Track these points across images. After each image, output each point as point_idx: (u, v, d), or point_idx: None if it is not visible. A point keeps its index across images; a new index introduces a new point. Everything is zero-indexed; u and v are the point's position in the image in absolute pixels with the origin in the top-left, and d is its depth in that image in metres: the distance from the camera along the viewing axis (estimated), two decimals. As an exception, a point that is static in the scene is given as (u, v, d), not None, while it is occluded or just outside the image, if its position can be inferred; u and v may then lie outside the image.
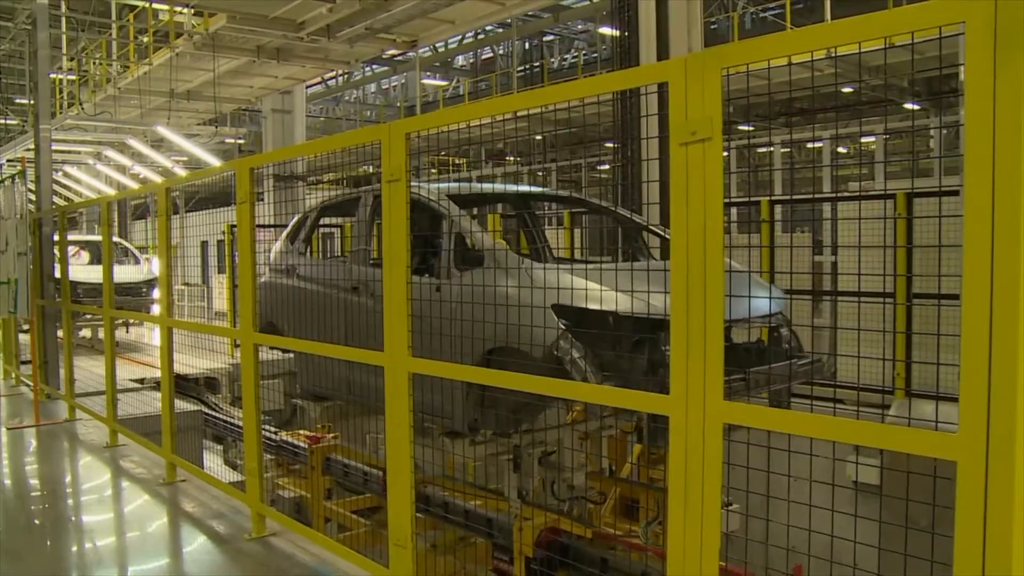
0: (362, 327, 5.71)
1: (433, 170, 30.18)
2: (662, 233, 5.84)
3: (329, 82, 40.48)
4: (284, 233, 7.40)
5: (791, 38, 2.74)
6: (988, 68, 1.96)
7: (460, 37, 35.08)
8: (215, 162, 21.97)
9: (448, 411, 5.22)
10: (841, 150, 23.00)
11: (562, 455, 5.86)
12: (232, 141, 25.33)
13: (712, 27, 23.16)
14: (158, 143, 22.66)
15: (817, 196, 12.29)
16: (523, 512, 5.50)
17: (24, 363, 11.71)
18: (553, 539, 5.30)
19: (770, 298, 5.05)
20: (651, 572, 4.56)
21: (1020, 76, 1.92)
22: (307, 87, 24.72)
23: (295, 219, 7.42)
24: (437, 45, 35.90)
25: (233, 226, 8.39)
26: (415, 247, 5.38)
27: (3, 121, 26.37)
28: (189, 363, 8.34)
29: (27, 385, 10.98)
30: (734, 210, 11.39)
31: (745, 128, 20.12)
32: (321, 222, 7.74)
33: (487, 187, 6.16)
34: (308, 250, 7.19)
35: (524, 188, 6.81)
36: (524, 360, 4.72)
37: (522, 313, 4.41)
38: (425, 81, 39.23)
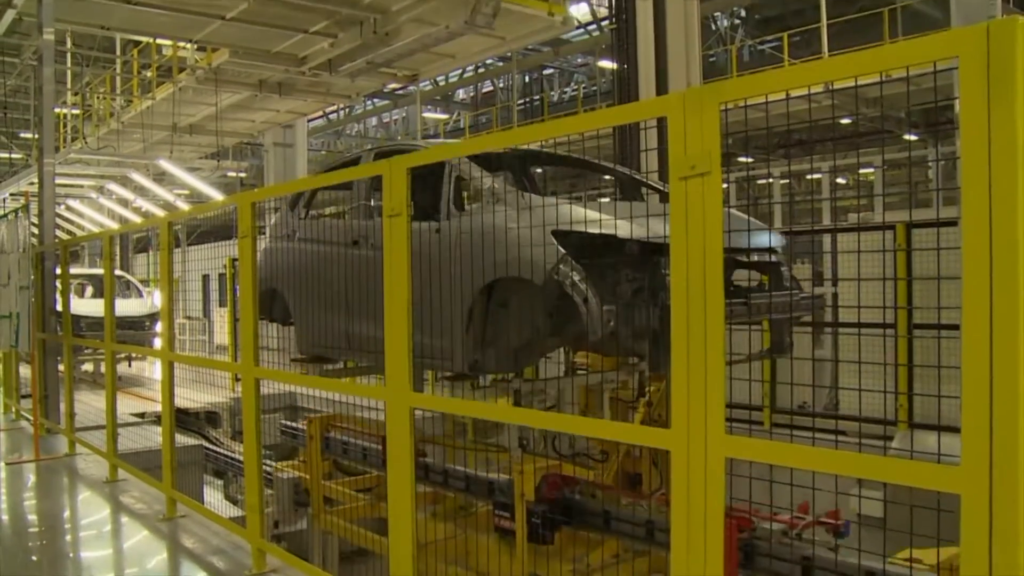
0: (363, 279, 5.74)
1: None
2: (662, 188, 5.86)
3: (330, 116, 40.72)
4: (285, 203, 7.45)
5: (788, 74, 2.78)
6: (983, 102, 1.98)
7: (460, 71, 35.35)
8: (217, 196, 22.05)
9: (448, 352, 5.15)
10: (840, 181, 23.10)
11: (562, 408, 5.82)
12: (234, 175, 25.52)
13: (711, 60, 23.35)
14: (160, 177, 22.77)
15: (816, 228, 12.30)
16: (524, 461, 5.47)
17: (24, 397, 11.69)
18: (555, 495, 5.22)
19: (770, 231, 5.07)
20: (655, 521, 4.44)
21: (1014, 110, 1.94)
22: (308, 121, 24.87)
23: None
24: (438, 79, 36.13)
25: (234, 260, 8.41)
26: (416, 200, 5.44)
27: (7, 156, 26.51)
28: (190, 397, 8.33)
29: (27, 419, 10.95)
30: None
31: (744, 160, 20.21)
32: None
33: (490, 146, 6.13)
34: (308, 215, 7.20)
35: (527, 147, 6.72)
36: (524, 289, 4.77)
37: (522, 242, 4.43)
38: (426, 115, 39.48)
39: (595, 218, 4.52)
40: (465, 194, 6.15)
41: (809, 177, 20.66)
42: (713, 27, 24.27)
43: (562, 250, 4.46)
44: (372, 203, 6.24)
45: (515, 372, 5.38)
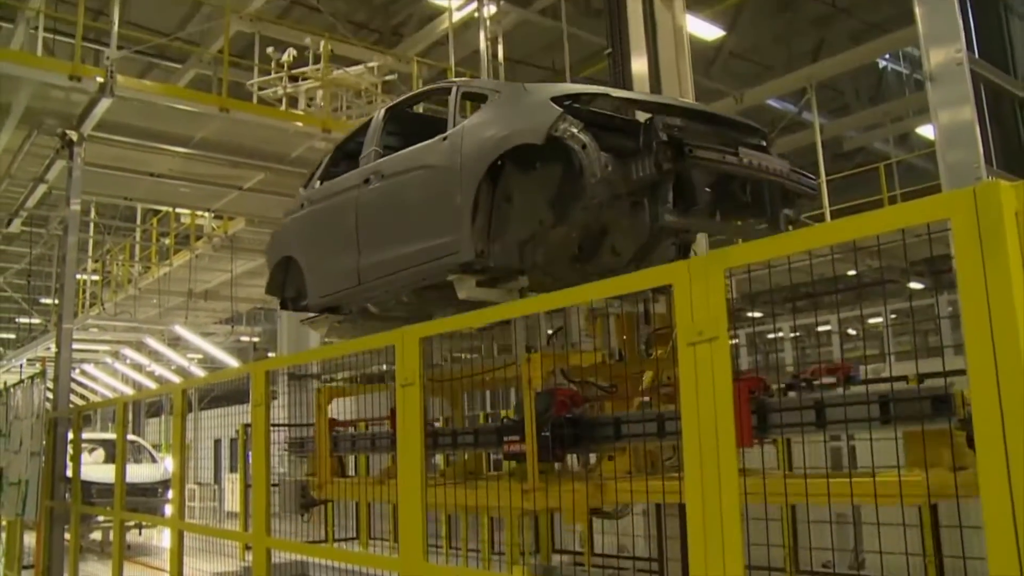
0: (374, 210, 5.93)
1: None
2: None
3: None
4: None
5: (790, 239, 2.87)
6: (977, 258, 2.09)
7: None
8: (230, 361, 22.22)
9: (454, 245, 5.15)
10: (850, 332, 23.18)
11: (568, 328, 5.63)
12: (247, 339, 25.74)
13: (714, 217, 23.86)
14: (175, 341, 23.02)
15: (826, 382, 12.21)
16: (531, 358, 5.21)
17: (26, 568, 11.39)
18: (564, 413, 4.88)
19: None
20: (666, 416, 4.17)
21: (1007, 264, 2.04)
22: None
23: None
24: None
25: (247, 426, 8.39)
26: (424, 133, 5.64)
27: (27, 321, 26.96)
28: (199, 567, 8.14)
29: (29, 593, 10.64)
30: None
31: (753, 315, 20.25)
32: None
33: None
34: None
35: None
36: (527, 179, 4.99)
37: (521, 116, 4.86)
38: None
39: (590, 88, 4.96)
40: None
41: (820, 329, 20.74)
42: (715, 185, 25.03)
43: (559, 109, 4.67)
44: (382, 148, 6.30)
45: (520, 268, 5.30)
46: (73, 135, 10.95)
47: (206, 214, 16.20)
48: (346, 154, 6.89)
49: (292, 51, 13.44)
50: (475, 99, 5.65)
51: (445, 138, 5.45)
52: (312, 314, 6.98)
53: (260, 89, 13.33)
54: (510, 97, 5.30)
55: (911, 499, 3.23)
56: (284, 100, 13.15)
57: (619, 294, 3.17)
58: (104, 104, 10.52)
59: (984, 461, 2.04)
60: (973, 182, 3.80)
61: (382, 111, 6.58)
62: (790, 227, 5.09)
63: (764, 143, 5.13)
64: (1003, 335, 2.03)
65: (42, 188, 12.58)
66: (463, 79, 5.81)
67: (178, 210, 17.37)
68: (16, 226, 15.13)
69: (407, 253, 5.50)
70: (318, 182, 7.03)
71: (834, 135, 20.20)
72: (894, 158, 18.50)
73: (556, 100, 4.78)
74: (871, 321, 20.06)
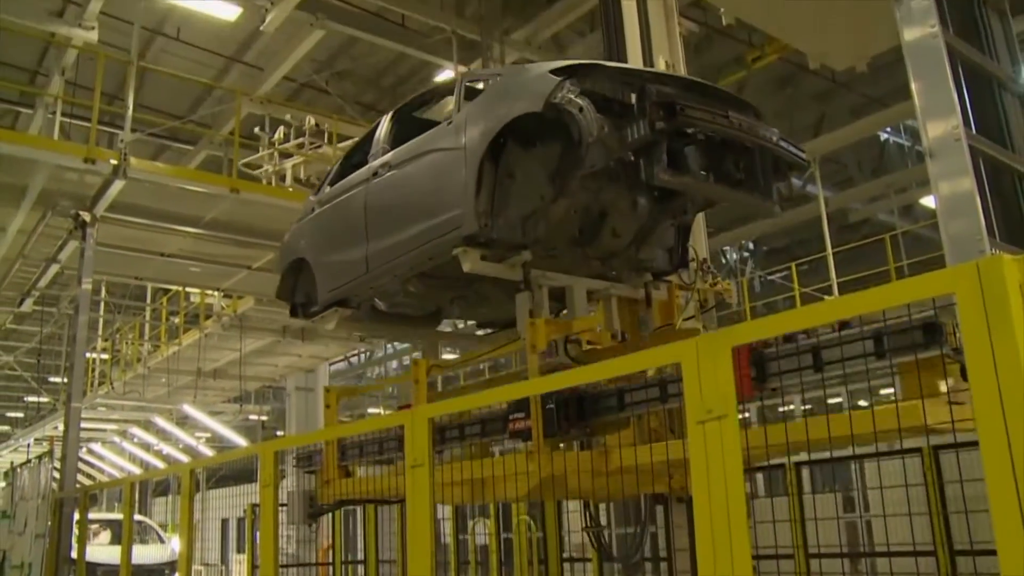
0: (383, 198, 6.04)
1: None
2: None
3: (352, 360, 41.14)
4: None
5: (797, 316, 2.91)
6: (983, 329, 2.10)
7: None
8: (238, 440, 22.08)
9: (457, 220, 5.18)
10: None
11: (571, 308, 5.59)
12: (255, 418, 25.61)
13: (722, 290, 23.87)
14: (183, 420, 22.91)
15: (837, 456, 12.11)
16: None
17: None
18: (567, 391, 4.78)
19: None
20: (668, 379, 4.10)
21: (1014, 335, 2.05)
22: (330, 364, 25.20)
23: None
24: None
25: (255, 505, 8.31)
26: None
27: (36, 399, 26.93)
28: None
29: None
30: (759, 475, 11.23)
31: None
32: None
33: None
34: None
35: None
36: (529, 156, 5.11)
37: (521, 89, 5.00)
38: (446, 356, 39.80)
39: (585, 61, 5.14)
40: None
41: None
42: (723, 260, 25.08)
43: (557, 78, 4.79)
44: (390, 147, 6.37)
45: (522, 242, 5.34)
46: (86, 216, 11.14)
47: (215, 293, 16.29)
48: (354, 164, 7.02)
49: (282, 129, 13.73)
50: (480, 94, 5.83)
51: (450, 122, 5.62)
52: (320, 315, 7.00)
53: (253, 168, 13.56)
54: (510, 76, 5.55)
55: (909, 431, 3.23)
56: (273, 178, 13.38)
57: (637, 369, 3.18)
58: (117, 186, 10.71)
59: (1003, 541, 2.01)
60: (976, 253, 3.83)
61: (389, 114, 6.75)
62: (784, 201, 5.21)
63: (755, 117, 5.26)
64: (1012, 406, 2.03)
65: (54, 268, 12.72)
66: (467, 72, 5.95)
67: (188, 289, 17.48)
68: (28, 305, 15.25)
69: (413, 234, 5.59)
70: (328, 187, 7.14)
71: (839, 207, 20.34)
72: (899, 229, 18.60)
73: (554, 73, 4.94)
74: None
